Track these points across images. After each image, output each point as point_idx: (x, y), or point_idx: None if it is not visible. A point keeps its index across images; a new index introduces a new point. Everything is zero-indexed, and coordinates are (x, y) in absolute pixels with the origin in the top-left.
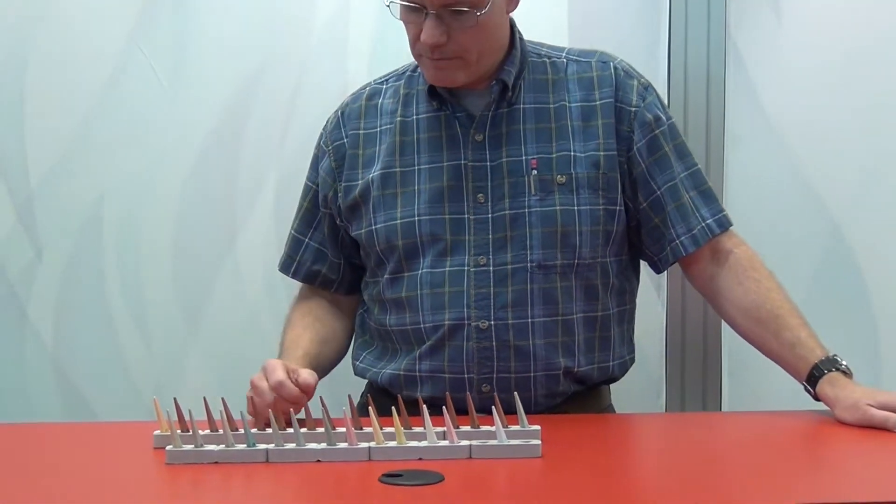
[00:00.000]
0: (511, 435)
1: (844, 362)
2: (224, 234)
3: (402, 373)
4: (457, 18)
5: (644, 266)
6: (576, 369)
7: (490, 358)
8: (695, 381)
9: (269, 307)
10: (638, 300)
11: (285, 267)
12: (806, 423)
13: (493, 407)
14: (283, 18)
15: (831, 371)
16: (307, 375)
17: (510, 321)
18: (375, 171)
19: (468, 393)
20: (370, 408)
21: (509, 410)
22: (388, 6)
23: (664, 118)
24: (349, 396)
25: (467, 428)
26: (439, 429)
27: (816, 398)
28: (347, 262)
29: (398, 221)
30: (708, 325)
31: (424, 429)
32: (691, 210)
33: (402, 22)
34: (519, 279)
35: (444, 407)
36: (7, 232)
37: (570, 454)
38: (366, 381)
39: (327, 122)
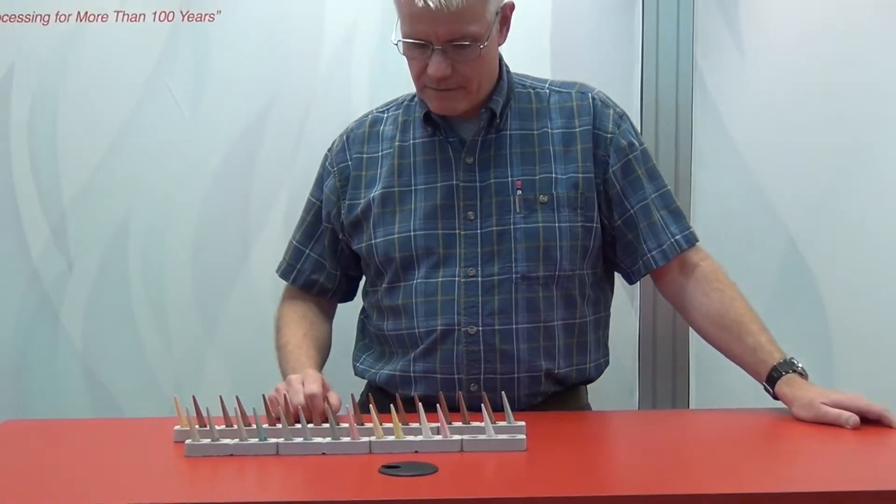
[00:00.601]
0: (498, 430)
1: (801, 364)
2: (238, 246)
3: (397, 373)
4: (460, 52)
5: (619, 277)
6: (556, 371)
7: (478, 360)
8: (665, 381)
9: None
10: (613, 308)
11: (286, 274)
12: (765, 419)
13: (482, 405)
14: (293, 53)
15: (789, 373)
16: (336, 400)
17: (496, 327)
18: (376, 191)
19: (458, 392)
20: (371, 405)
21: (497, 408)
22: (396, 44)
23: (637, 144)
24: (352, 395)
25: (459, 424)
26: (434, 425)
27: (775, 397)
28: (344, 273)
29: (395, 236)
30: (677, 331)
31: (420, 425)
32: (661, 227)
33: (406, 57)
34: (504, 289)
35: (437, 405)
36: (42, 246)
37: (552, 448)
38: (365, 381)
39: (332, 144)
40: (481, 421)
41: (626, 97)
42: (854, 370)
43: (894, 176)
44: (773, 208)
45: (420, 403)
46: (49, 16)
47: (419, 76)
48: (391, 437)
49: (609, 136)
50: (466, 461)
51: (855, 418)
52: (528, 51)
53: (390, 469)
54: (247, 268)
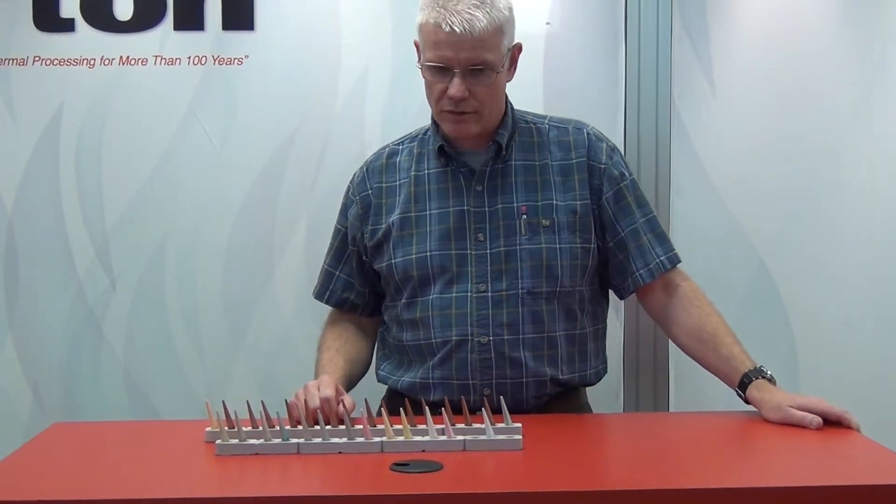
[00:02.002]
0: (497, 431)
1: (769, 372)
2: (263, 266)
3: (418, 381)
4: (477, 77)
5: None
6: (559, 377)
7: (489, 367)
8: (647, 386)
9: (300, 327)
10: None
11: (319, 295)
12: (738, 421)
13: (482, 409)
14: (313, 94)
15: (758, 378)
16: (350, 403)
17: (505, 337)
18: (395, 216)
19: (462, 397)
20: (383, 409)
21: (498, 412)
22: (420, 67)
23: (627, 174)
24: (365, 400)
25: (462, 425)
26: (439, 426)
27: (746, 401)
28: (371, 290)
29: (413, 256)
30: (657, 341)
31: (427, 426)
32: (648, 248)
33: (426, 82)
34: (512, 303)
35: (442, 409)
36: (87, 266)
37: (546, 447)
38: (386, 386)
39: (354, 176)
40: (482, 423)
41: (610, 132)
42: (816, 376)
43: (852, 203)
44: (743, 233)
45: (427, 407)
46: (94, 60)
47: (438, 100)
48: (401, 438)
49: (602, 166)
50: (469, 459)
51: (818, 420)
52: (523, 94)
53: (400, 466)
54: (271, 285)
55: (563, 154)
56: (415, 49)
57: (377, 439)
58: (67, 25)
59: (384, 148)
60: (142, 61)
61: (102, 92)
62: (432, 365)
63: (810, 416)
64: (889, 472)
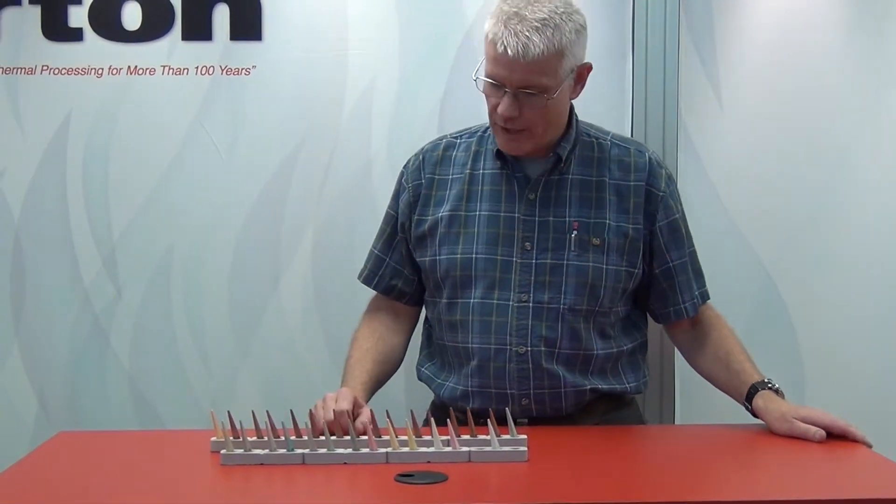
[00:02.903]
0: (503, 443)
1: (777, 384)
2: (270, 276)
3: (459, 389)
4: (529, 99)
5: None
6: (598, 387)
7: (527, 377)
8: (653, 398)
9: (305, 337)
10: None
11: (368, 280)
12: (743, 434)
13: (487, 420)
14: (319, 104)
15: (764, 389)
16: (367, 417)
17: (543, 349)
18: (444, 212)
19: (509, 408)
20: (388, 420)
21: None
22: (475, 80)
23: (680, 206)
24: (371, 411)
25: (467, 436)
26: (444, 437)
27: (753, 414)
28: (419, 279)
29: (458, 256)
30: (664, 354)
31: (432, 437)
32: (692, 283)
33: (485, 95)
34: (552, 317)
35: (448, 419)
36: (94, 275)
37: (550, 459)
38: (430, 390)
39: (408, 162)
40: (487, 434)
41: None
42: (822, 386)
43: (858, 214)
44: (749, 245)
45: (433, 419)
46: (102, 69)
47: (492, 113)
48: (406, 449)
49: (661, 194)
50: (473, 470)
51: (822, 433)
52: None
53: (405, 477)
54: (276, 295)
55: (623, 174)
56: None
57: (382, 450)
58: (76, 35)
59: (442, 138)
60: (149, 71)
61: (110, 101)
62: (470, 372)
63: (814, 428)
64: (894, 487)
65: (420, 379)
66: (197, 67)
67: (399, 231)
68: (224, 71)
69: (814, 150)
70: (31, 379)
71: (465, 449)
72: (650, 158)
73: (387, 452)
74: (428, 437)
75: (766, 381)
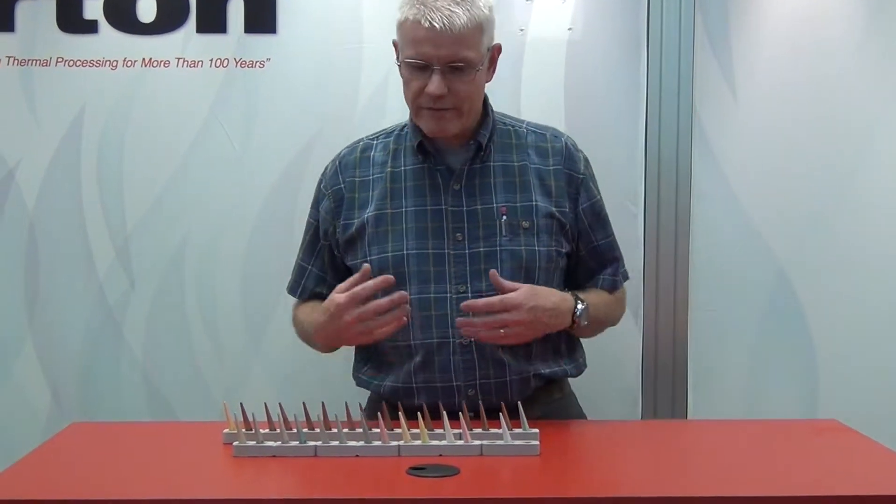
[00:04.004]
0: (515, 437)
1: (583, 302)
2: (282, 268)
3: (400, 385)
4: (457, 74)
5: (629, 306)
6: (541, 372)
7: (473, 368)
8: (665, 393)
9: None
10: (619, 328)
11: (292, 290)
12: (756, 428)
13: (500, 413)
14: (333, 97)
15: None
16: (359, 274)
17: None
18: (370, 212)
19: (456, 401)
20: (399, 413)
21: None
22: (399, 65)
23: (598, 188)
24: (383, 404)
25: (479, 430)
26: (456, 431)
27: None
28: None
29: (389, 254)
30: (676, 348)
31: (444, 431)
32: (618, 263)
33: (404, 79)
34: None
35: (460, 413)
36: (108, 267)
37: (563, 453)
38: (368, 392)
39: (326, 169)
40: (499, 428)
41: (631, 138)
42: (835, 382)
43: (873, 209)
44: (763, 239)
45: (445, 412)
46: (117, 62)
47: (416, 97)
48: (418, 442)
49: (581, 176)
50: (485, 464)
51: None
52: (545, 100)
53: (417, 470)
54: None
55: (541, 160)
56: (393, 49)
57: (394, 443)
58: (91, 27)
59: (358, 142)
60: (164, 63)
61: (124, 94)
62: (414, 368)
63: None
64: None
65: (358, 384)
66: (211, 60)
67: (322, 238)
68: (238, 64)
69: (829, 143)
70: (45, 370)
71: (477, 443)
72: (566, 143)
73: (399, 445)
74: (440, 431)
75: (579, 297)
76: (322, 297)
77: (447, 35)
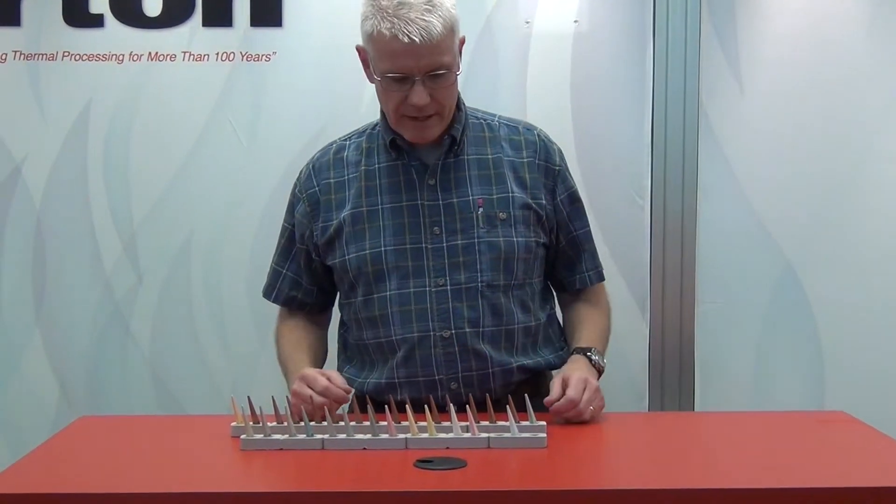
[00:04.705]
0: (522, 429)
1: (597, 357)
2: None
3: (383, 381)
4: (438, 81)
5: (636, 299)
6: (524, 364)
7: (454, 361)
8: (672, 386)
9: None
10: (626, 321)
11: (267, 293)
12: (763, 421)
13: (507, 406)
14: (339, 90)
15: (580, 354)
16: (339, 378)
17: (467, 329)
18: (346, 212)
19: (440, 395)
20: (407, 406)
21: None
22: (379, 80)
23: (573, 180)
24: (390, 397)
25: (486, 423)
26: (463, 423)
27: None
28: (319, 287)
29: (367, 252)
30: (683, 341)
31: (451, 423)
32: (595, 256)
33: (383, 92)
34: (472, 296)
35: (467, 406)
36: (115, 262)
37: (570, 445)
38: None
39: (300, 173)
40: (506, 420)
41: (637, 132)
42: (842, 376)
43: (880, 203)
44: (769, 233)
45: (452, 405)
46: (123, 56)
47: (397, 108)
48: (425, 435)
49: (557, 168)
50: (493, 457)
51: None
52: (551, 93)
53: (424, 463)
54: None
55: (515, 152)
56: (357, 54)
57: (402, 436)
58: (97, 21)
59: (331, 144)
60: (170, 57)
61: (131, 88)
62: (396, 364)
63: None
64: None
65: None
66: (217, 54)
67: (298, 242)
68: (244, 57)
69: (837, 136)
70: (53, 364)
71: (484, 435)
72: (539, 135)
73: (406, 438)
74: (447, 424)
75: (588, 348)
76: (296, 302)
77: (426, 46)
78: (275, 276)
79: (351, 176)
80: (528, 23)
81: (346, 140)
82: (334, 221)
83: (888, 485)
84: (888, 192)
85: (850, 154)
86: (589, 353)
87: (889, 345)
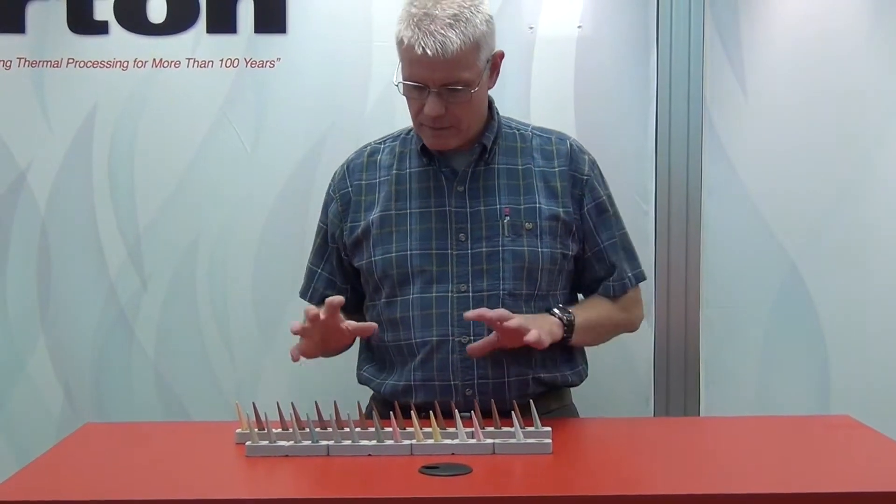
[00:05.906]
0: (527, 435)
1: (566, 317)
2: (294, 266)
3: (400, 384)
4: (453, 95)
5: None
6: (541, 376)
7: (471, 367)
8: (677, 390)
9: None
10: None
11: (303, 293)
12: (768, 426)
13: (511, 412)
14: (344, 96)
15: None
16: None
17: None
18: (375, 214)
19: (448, 401)
20: (412, 412)
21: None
22: (397, 85)
23: (607, 189)
24: (395, 404)
25: (491, 429)
26: (468, 429)
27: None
28: (353, 288)
29: (393, 255)
30: (688, 345)
31: (456, 430)
32: (624, 265)
33: (405, 97)
34: (493, 304)
35: (472, 411)
36: (119, 266)
37: (576, 451)
38: (370, 389)
39: (335, 174)
40: (511, 426)
41: (641, 136)
42: (847, 379)
43: (884, 205)
44: (774, 235)
45: (457, 411)
46: (128, 62)
47: (416, 114)
48: (430, 441)
49: (585, 177)
50: (498, 463)
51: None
52: (554, 97)
53: (429, 469)
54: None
55: (546, 162)
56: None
57: (407, 442)
58: (101, 28)
59: (366, 146)
60: (174, 64)
61: (135, 94)
62: (413, 367)
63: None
64: None
65: (360, 382)
66: (222, 60)
67: (330, 242)
68: (249, 63)
69: (841, 138)
70: (58, 370)
71: (489, 441)
72: (571, 145)
73: (411, 444)
74: (452, 430)
75: (566, 310)
76: None
77: (440, 60)
78: (310, 275)
79: (382, 179)
80: (531, 28)
81: (380, 143)
82: (362, 223)
83: (890, 489)
84: (891, 189)
85: (855, 158)
86: (557, 312)
87: (895, 349)
